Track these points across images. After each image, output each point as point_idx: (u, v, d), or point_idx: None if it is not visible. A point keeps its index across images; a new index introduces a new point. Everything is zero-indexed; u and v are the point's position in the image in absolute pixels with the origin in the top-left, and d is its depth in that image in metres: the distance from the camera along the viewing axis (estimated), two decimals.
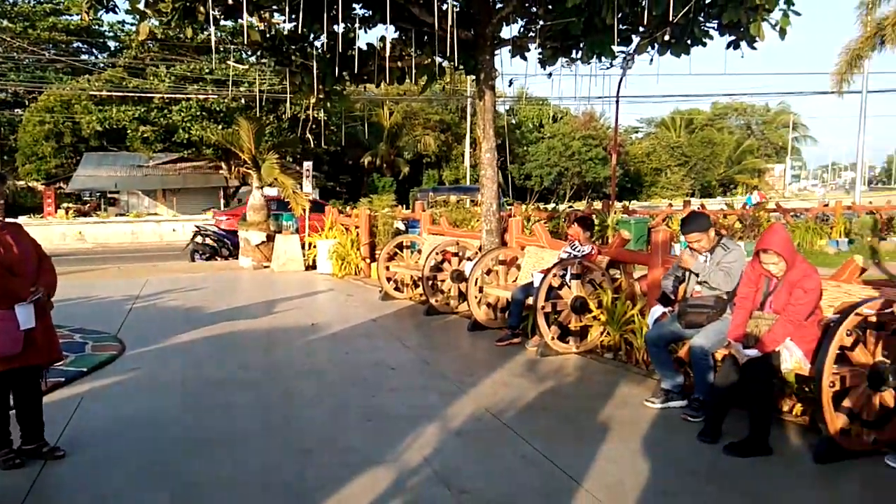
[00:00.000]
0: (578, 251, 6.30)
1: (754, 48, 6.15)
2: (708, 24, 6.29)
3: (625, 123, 57.63)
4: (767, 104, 60.07)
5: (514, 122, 43.15)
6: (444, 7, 6.70)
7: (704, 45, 6.43)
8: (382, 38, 7.39)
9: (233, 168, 24.70)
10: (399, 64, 7.64)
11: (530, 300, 6.14)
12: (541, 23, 7.44)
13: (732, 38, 6.21)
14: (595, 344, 6.12)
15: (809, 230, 14.81)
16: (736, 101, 55.70)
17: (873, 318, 3.70)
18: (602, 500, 3.26)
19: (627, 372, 5.53)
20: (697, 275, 4.56)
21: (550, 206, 22.83)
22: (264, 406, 4.75)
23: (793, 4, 5.72)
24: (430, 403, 4.75)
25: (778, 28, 5.81)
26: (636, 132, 56.65)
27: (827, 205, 19.89)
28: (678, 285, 4.79)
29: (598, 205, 18.26)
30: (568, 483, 3.46)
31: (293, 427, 4.35)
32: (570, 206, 20.94)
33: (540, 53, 7.87)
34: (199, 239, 14.94)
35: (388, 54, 7.11)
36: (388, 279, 9.20)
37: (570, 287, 6.10)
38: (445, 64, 7.87)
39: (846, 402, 3.75)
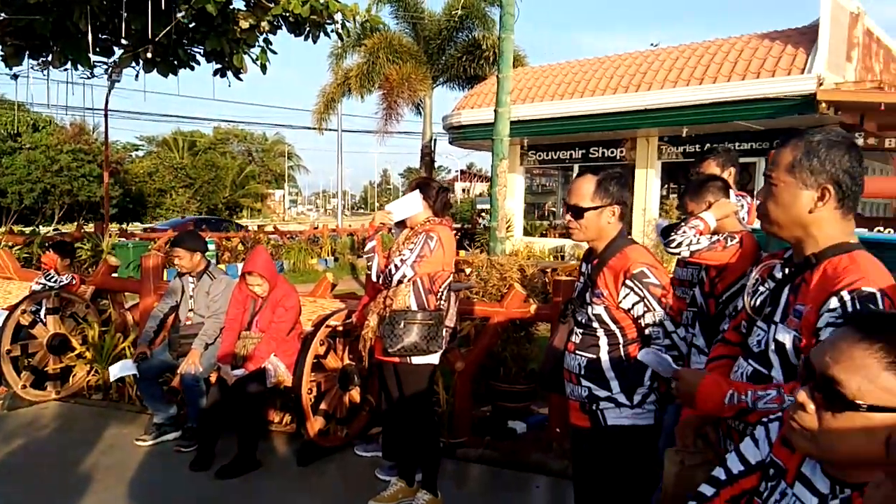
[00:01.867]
0: (55, 281, 5.49)
1: (240, 79, 6.44)
2: (194, 49, 6.32)
3: (122, 139, 53.86)
4: (265, 133, 64.56)
5: None
6: None
7: (192, 68, 6.43)
8: None
9: None
10: None
11: None
12: (2, 15, 6.26)
13: (219, 66, 6.38)
14: (80, 386, 5.41)
15: (302, 251, 16.41)
16: (236, 127, 58.11)
17: (340, 328, 4.26)
18: None
19: (119, 412, 5.06)
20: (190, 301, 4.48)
21: (30, 229, 19.51)
22: None
23: (270, 43, 6.22)
24: None
25: (259, 63, 6.22)
26: (137, 150, 53.45)
27: (317, 228, 22.42)
28: (171, 312, 4.62)
29: (90, 227, 16.44)
30: None
31: None
32: (57, 230, 18.30)
33: (1, 49, 6.62)
34: None
35: None
36: None
37: (45, 324, 5.26)
38: None
39: (323, 405, 4.20)
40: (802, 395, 1.09)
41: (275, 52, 6.24)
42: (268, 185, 63.79)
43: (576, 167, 15.73)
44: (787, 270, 1.69)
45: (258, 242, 15.30)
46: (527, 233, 16.46)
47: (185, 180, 49.04)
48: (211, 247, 13.10)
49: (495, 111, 6.86)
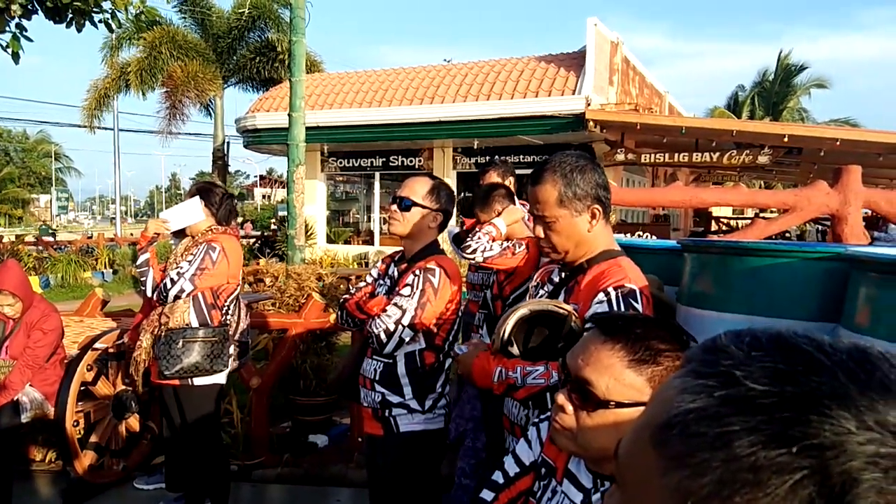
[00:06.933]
0: None
1: None
2: None
3: None
4: (25, 131, 56.60)
5: None
6: None
7: None
8: None
9: None
10: None
11: None
12: None
13: None
14: None
15: (73, 263, 14.59)
16: None
17: (112, 350, 3.81)
18: None
19: None
20: None
21: None
22: None
23: (25, 30, 5.41)
24: None
25: (10, 51, 5.39)
26: None
27: (91, 237, 20.11)
28: None
29: None
30: None
31: None
32: None
33: None
34: None
35: None
36: None
37: None
38: None
39: (94, 437, 3.74)
40: (561, 397, 1.16)
41: (30, 40, 5.43)
42: (31, 189, 56.03)
43: (377, 175, 15.91)
44: (563, 274, 1.83)
45: (14, 255, 13.30)
46: (330, 240, 16.28)
47: None
48: None
49: (289, 115, 6.67)
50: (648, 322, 1.17)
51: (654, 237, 9.64)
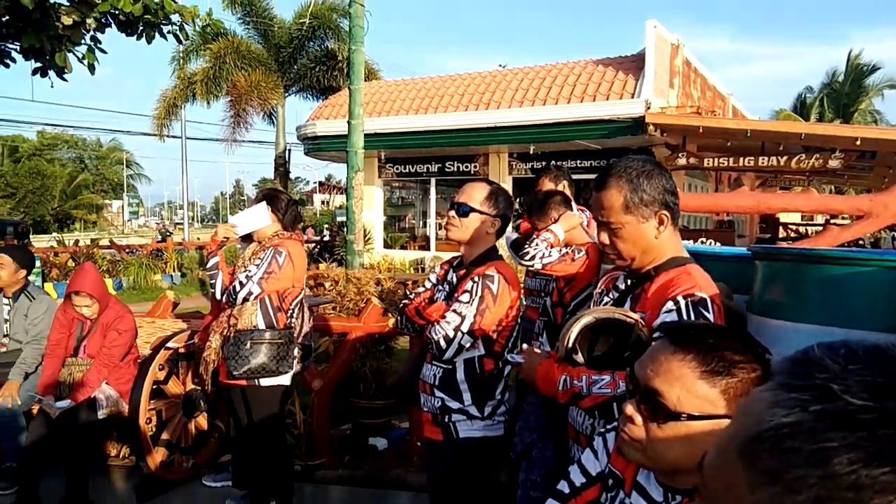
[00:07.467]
0: None
1: (64, 79, 5.83)
2: (9, 45, 5.64)
3: None
4: (99, 139, 59.50)
5: None
6: None
7: (7, 65, 5.73)
8: None
9: None
10: None
11: None
12: None
13: (39, 64, 5.74)
14: None
15: (143, 266, 15.23)
16: (65, 132, 52.98)
17: (183, 350, 3.96)
18: None
19: None
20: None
21: None
22: None
23: (99, 42, 5.70)
24: None
25: (86, 63, 5.68)
26: None
27: (161, 241, 20.95)
28: None
29: None
30: None
31: None
32: None
33: None
34: None
35: None
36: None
37: None
38: None
39: (165, 435, 3.88)
40: (630, 408, 1.14)
41: (104, 52, 5.71)
42: (104, 195, 58.84)
43: (433, 180, 16.02)
44: (629, 282, 1.80)
45: (91, 258, 13.98)
46: (387, 245, 16.48)
47: (6, 189, 44.06)
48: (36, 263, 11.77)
49: (349, 123, 6.80)
50: (721, 332, 1.15)
51: (717, 244, 9.36)
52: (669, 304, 1.59)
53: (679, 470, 1.12)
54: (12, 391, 3.74)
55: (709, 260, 2.29)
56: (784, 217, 15.30)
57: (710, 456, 0.53)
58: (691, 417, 1.06)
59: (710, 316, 1.57)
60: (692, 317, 1.55)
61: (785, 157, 10.80)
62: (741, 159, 11.26)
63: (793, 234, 14.47)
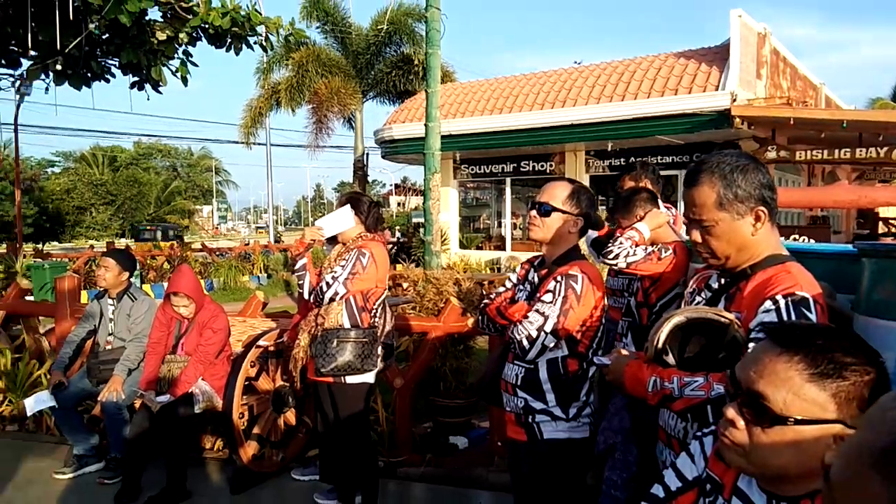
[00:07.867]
0: None
1: (159, 92, 6.19)
2: (109, 61, 6.03)
3: (36, 155, 51.16)
4: (190, 148, 62.73)
5: None
6: None
7: (107, 80, 6.13)
8: None
9: None
10: None
11: None
12: None
13: (136, 78, 6.12)
14: None
15: (233, 268, 15.93)
16: (159, 142, 56.17)
17: (272, 348, 4.12)
18: None
19: (37, 443, 4.73)
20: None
21: None
22: None
23: (191, 55, 6.01)
24: None
25: (179, 75, 6.00)
26: (52, 166, 50.86)
27: (248, 244, 21.87)
28: (89, 337, 4.36)
29: (2, 248, 15.49)
30: None
31: None
32: None
33: None
34: None
35: None
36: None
37: None
38: None
39: (256, 429, 4.05)
40: (731, 412, 1.10)
41: (196, 65, 6.02)
42: (195, 201, 61.94)
43: (508, 180, 15.97)
44: (722, 281, 1.73)
45: (185, 260, 14.75)
46: (462, 246, 16.55)
47: (106, 197, 47.00)
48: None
49: (425, 125, 6.87)
50: (829, 333, 1.09)
51: (811, 240, 8.86)
52: (768, 304, 1.52)
53: (785, 476, 1.07)
54: (117, 387, 4.00)
55: (807, 258, 2.18)
56: (884, 212, 14.30)
57: (838, 465, 0.51)
58: (799, 422, 1.01)
59: (813, 316, 1.49)
60: (792, 317, 1.48)
61: (885, 149, 10.10)
62: (836, 151, 10.60)
63: (894, 230, 13.50)
